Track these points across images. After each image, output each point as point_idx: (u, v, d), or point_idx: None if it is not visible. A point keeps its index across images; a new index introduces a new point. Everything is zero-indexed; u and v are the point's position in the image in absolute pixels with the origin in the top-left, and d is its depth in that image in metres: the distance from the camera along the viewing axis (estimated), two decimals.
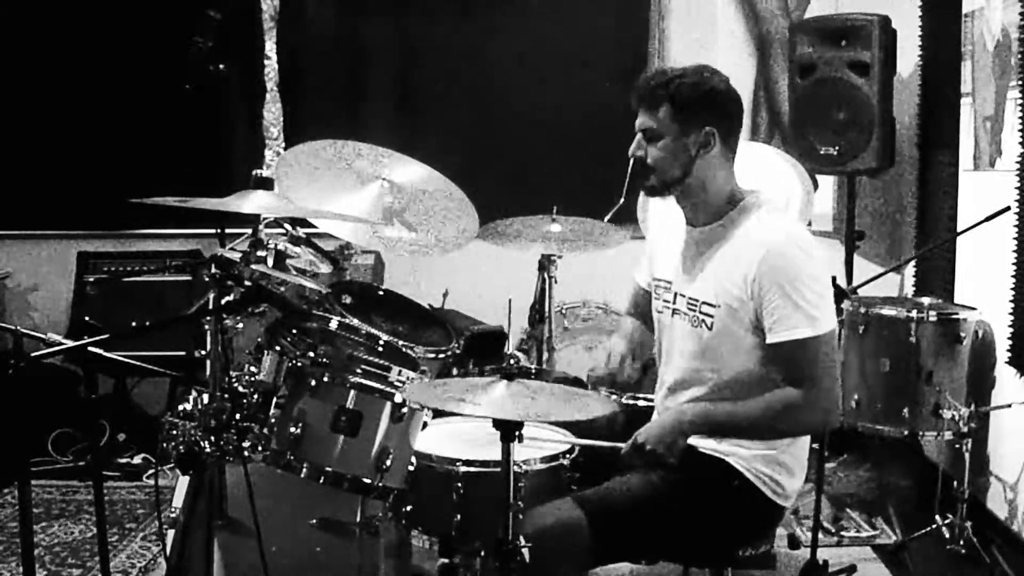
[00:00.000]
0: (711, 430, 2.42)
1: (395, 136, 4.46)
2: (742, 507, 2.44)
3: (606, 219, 3.67)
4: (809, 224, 3.93)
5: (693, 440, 2.45)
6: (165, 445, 2.38)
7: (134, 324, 4.39)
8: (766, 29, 4.79)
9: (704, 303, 2.42)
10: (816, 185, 4.12)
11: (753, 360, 2.38)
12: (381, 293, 3.37)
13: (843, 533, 3.75)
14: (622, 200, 3.72)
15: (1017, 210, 3.49)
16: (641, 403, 2.81)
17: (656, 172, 2.43)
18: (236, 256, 2.50)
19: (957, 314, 3.65)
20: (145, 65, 4.78)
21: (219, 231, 4.04)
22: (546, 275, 3.68)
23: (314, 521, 2.67)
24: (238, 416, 2.41)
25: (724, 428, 2.40)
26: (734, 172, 2.48)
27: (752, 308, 2.34)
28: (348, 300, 3.02)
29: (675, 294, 2.52)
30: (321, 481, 2.46)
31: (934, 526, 3.55)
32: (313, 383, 2.47)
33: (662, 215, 2.65)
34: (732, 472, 2.42)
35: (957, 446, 3.49)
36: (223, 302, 2.36)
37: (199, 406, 2.36)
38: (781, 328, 2.30)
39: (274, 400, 2.48)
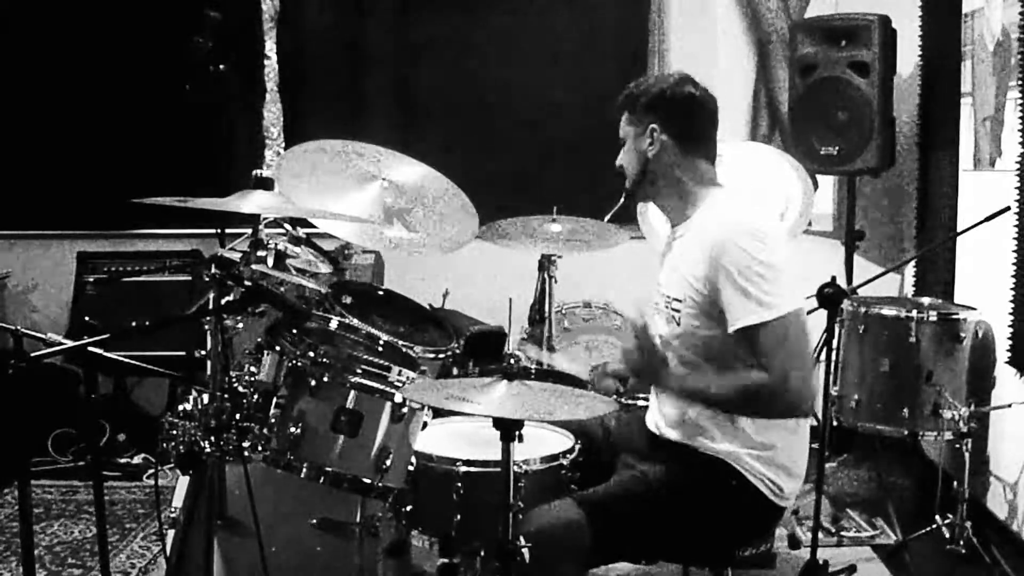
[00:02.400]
0: (683, 397, 2.46)
1: (395, 136, 4.46)
2: (741, 507, 2.44)
3: (606, 219, 3.66)
4: (809, 224, 3.94)
5: (692, 441, 2.47)
6: (165, 445, 2.37)
7: (134, 324, 4.38)
8: (766, 29, 4.79)
9: (674, 299, 2.47)
10: (816, 185, 4.13)
11: (722, 352, 2.40)
12: (381, 293, 3.38)
13: (843, 533, 3.75)
14: (622, 200, 3.71)
15: (1017, 210, 3.49)
16: (640, 403, 2.81)
17: (625, 175, 2.56)
18: (236, 256, 2.50)
19: (957, 314, 3.65)
20: (145, 65, 4.78)
21: (219, 231, 4.04)
22: (546, 275, 3.68)
23: (314, 521, 2.66)
24: (238, 416, 2.41)
25: (696, 399, 2.44)
26: (704, 172, 2.51)
27: (711, 301, 2.37)
28: (348, 300, 3.02)
29: (660, 294, 2.57)
30: (321, 481, 2.46)
31: (934, 526, 3.55)
32: (313, 383, 2.47)
33: (661, 218, 2.67)
34: (731, 472, 2.42)
35: (957, 446, 3.49)
36: (223, 302, 2.36)
37: (199, 406, 2.36)
38: (735, 317, 2.32)
39: (274, 400, 2.48)
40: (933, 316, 3.62)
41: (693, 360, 2.45)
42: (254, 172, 2.47)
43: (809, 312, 2.77)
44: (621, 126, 2.56)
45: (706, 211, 2.47)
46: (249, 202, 2.39)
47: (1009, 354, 3.57)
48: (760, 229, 2.37)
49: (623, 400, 2.86)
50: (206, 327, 2.37)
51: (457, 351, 3.10)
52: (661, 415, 2.58)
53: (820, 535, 3.21)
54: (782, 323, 2.30)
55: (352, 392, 2.49)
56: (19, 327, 2.16)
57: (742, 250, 2.31)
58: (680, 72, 2.56)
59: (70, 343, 2.22)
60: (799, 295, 2.36)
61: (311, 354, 2.51)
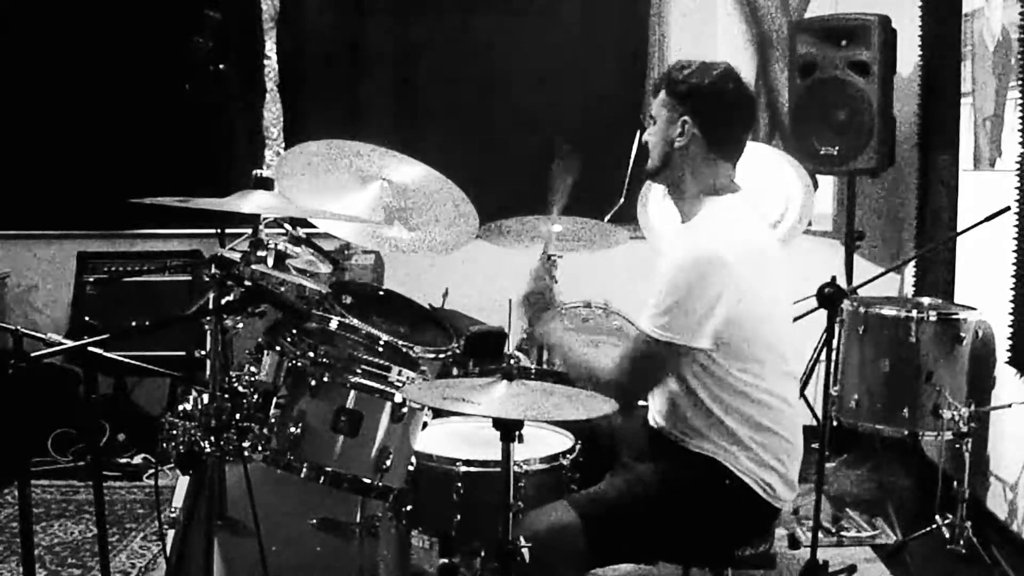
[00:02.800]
0: (556, 349, 2.71)
1: (395, 136, 4.45)
2: (736, 507, 2.44)
3: (606, 219, 3.67)
4: (809, 224, 3.94)
5: (685, 438, 2.48)
6: (165, 445, 2.37)
7: (134, 324, 4.39)
8: (766, 29, 4.79)
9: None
10: (816, 185, 4.13)
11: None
12: (381, 293, 3.37)
13: (843, 533, 3.75)
14: (622, 200, 3.72)
15: (1017, 210, 3.49)
16: (641, 403, 2.81)
17: (649, 155, 2.54)
18: (236, 256, 2.50)
19: (957, 314, 3.65)
20: (145, 65, 4.78)
21: (219, 231, 4.04)
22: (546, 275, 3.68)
23: (314, 521, 2.66)
24: (238, 416, 2.40)
25: (567, 362, 2.61)
26: (723, 174, 2.50)
27: None
28: (348, 300, 3.01)
29: None
30: (321, 481, 2.46)
31: (934, 526, 3.55)
32: (313, 383, 2.47)
33: (661, 216, 2.67)
34: (724, 471, 2.42)
35: (957, 446, 3.49)
36: (223, 302, 2.36)
37: (199, 406, 2.36)
38: (642, 314, 2.38)
39: (274, 400, 2.48)
40: (933, 316, 3.62)
41: None
42: (254, 172, 2.47)
43: (809, 312, 2.79)
44: (655, 103, 2.53)
45: (704, 217, 2.47)
46: (249, 202, 2.39)
47: (1009, 354, 3.57)
48: (711, 262, 2.33)
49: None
50: (206, 327, 2.37)
51: (457, 351, 3.10)
52: (657, 410, 2.58)
53: (820, 535, 3.21)
54: (652, 343, 2.34)
55: (352, 392, 2.49)
56: (19, 327, 2.16)
57: (683, 271, 2.33)
58: (726, 64, 2.52)
59: (70, 343, 2.22)
60: (695, 335, 2.33)
61: (311, 354, 2.51)
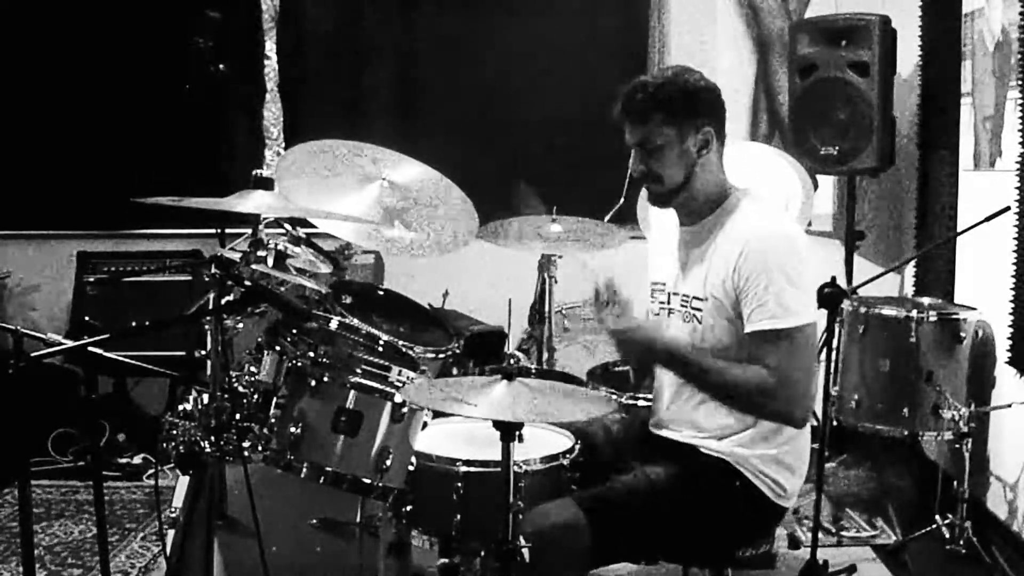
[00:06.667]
0: (681, 373, 2.44)
1: (395, 136, 4.45)
2: (743, 508, 2.44)
3: (606, 219, 3.67)
4: (809, 224, 3.94)
5: (695, 440, 2.46)
6: (165, 445, 2.37)
7: (134, 324, 4.38)
8: (766, 29, 4.79)
9: (694, 298, 2.45)
10: (816, 185, 4.13)
11: (736, 353, 2.39)
12: (381, 293, 3.38)
13: (843, 533, 3.75)
14: (622, 200, 3.73)
15: (1017, 210, 3.49)
16: (641, 403, 2.81)
17: (663, 181, 2.43)
18: (236, 256, 2.50)
19: (957, 314, 3.65)
20: (145, 65, 4.78)
21: (219, 231, 4.04)
22: (546, 275, 3.69)
23: (314, 521, 2.66)
24: (238, 416, 2.41)
25: (694, 378, 2.42)
26: (724, 169, 2.49)
27: (735, 299, 2.36)
28: (348, 300, 3.02)
29: (669, 294, 2.55)
30: (321, 481, 2.46)
31: (934, 526, 3.55)
32: (313, 383, 2.47)
33: (661, 216, 2.66)
34: (734, 473, 2.42)
35: (957, 446, 3.49)
36: (223, 302, 2.36)
37: (199, 406, 2.36)
38: (757, 317, 2.32)
39: (274, 400, 2.48)
40: (933, 316, 3.62)
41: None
42: (254, 172, 2.47)
43: None
44: (651, 129, 2.39)
45: (734, 210, 2.44)
46: (248, 202, 2.39)
47: (1009, 354, 3.57)
48: (795, 239, 2.38)
49: (623, 400, 2.86)
50: (206, 327, 2.37)
51: (457, 351, 3.10)
52: (663, 417, 2.57)
53: (820, 535, 3.21)
54: (797, 332, 2.31)
55: (352, 392, 2.49)
56: (19, 327, 2.16)
57: (776, 254, 2.33)
58: (679, 65, 2.52)
59: (70, 343, 2.22)
60: (815, 308, 2.37)
61: (311, 354, 2.51)
